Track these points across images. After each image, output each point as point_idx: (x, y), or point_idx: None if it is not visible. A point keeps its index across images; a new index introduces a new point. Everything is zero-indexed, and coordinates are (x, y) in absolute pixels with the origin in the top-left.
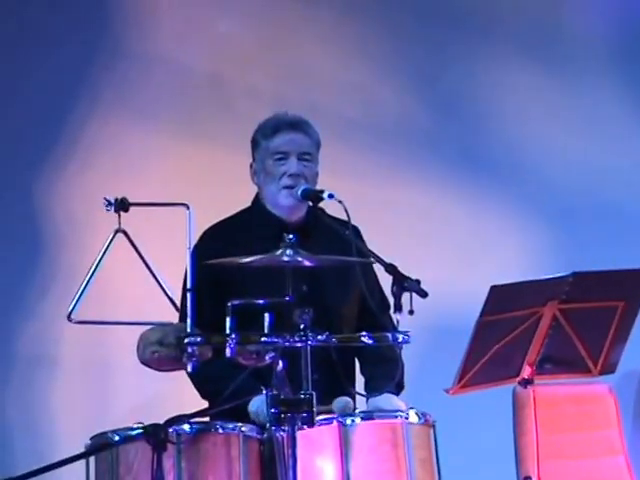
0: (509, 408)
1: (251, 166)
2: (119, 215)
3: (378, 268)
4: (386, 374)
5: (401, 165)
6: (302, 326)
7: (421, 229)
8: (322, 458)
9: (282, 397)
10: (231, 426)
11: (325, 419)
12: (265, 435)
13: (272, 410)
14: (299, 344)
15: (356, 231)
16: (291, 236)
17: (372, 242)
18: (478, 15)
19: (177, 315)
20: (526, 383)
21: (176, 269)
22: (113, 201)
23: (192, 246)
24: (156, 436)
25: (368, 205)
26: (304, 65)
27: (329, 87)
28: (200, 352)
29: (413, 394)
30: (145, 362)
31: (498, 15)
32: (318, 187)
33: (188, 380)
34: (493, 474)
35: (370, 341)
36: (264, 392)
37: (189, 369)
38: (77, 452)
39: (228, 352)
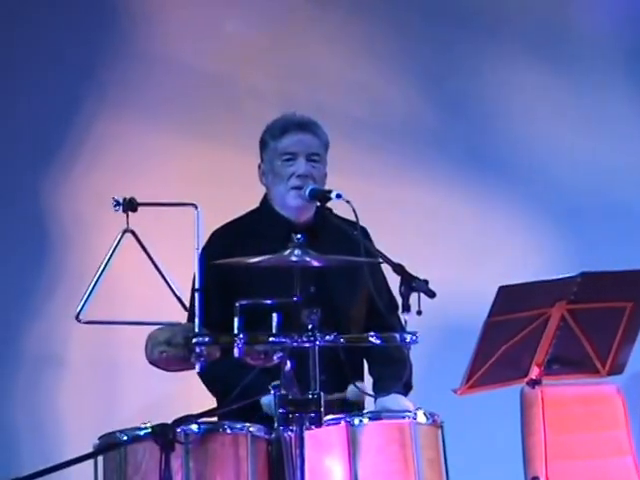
0: (517, 408)
1: (259, 167)
2: (127, 215)
3: (386, 268)
4: (394, 374)
5: (408, 165)
6: (310, 326)
7: (429, 229)
8: (330, 458)
9: (290, 397)
10: (239, 426)
11: (333, 419)
12: (273, 435)
13: (280, 410)
14: (307, 344)
15: (364, 231)
16: (299, 236)
17: (380, 242)
18: (485, 14)
19: (185, 315)
20: (534, 383)
21: (184, 269)
22: (122, 201)
23: (200, 247)
24: (164, 436)
25: (375, 205)
26: (310, 65)
27: (336, 87)
28: (208, 352)
29: (421, 394)
30: (153, 362)
31: (505, 14)
32: (327, 187)
33: (196, 380)
34: (501, 474)
35: (378, 341)
36: (272, 392)
37: (197, 369)
38: (85, 452)
39: (236, 352)
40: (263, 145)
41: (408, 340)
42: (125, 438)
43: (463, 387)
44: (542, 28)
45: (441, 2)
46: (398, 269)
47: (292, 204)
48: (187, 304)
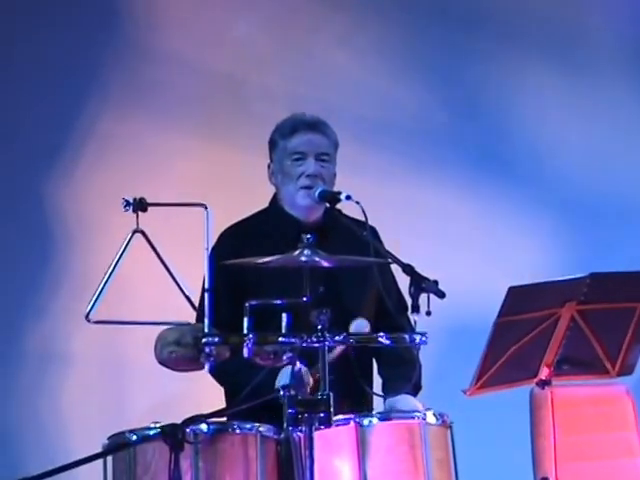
0: (526, 409)
1: (269, 167)
2: (137, 215)
3: (395, 268)
4: (403, 375)
5: (418, 166)
6: (319, 327)
7: (439, 229)
8: (339, 459)
9: (299, 397)
10: (248, 426)
11: (343, 419)
12: (282, 435)
13: (289, 410)
14: (316, 345)
15: (373, 232)
16: (309, 236)
17: (389, 243)
18: (497, 16)
19: (195, 315)
20: (544, 384)
21: (193, 269)
22: (132, 201)
23: (210, 247)
24: (174, 436)
25: (385, 205)
26: (320, 66)
27: (346, 88)
28: (217, 352)
29: (430, 395)
30: (162, 362)
31: (517, 17)
32: (335, 188)
33: (205, 380)
34: (510, 475)
35: (387, 342)
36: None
37: (206, 369)
38: (92, 452)
39: (246, 352)
40: (273, 145)
41: (417, 340)
42: (135, 438)
43: (472, 388)
44: (554, 30)
45: (451, 4)
46: (408, 269)
47: (301, 204)
48: (196, 304)
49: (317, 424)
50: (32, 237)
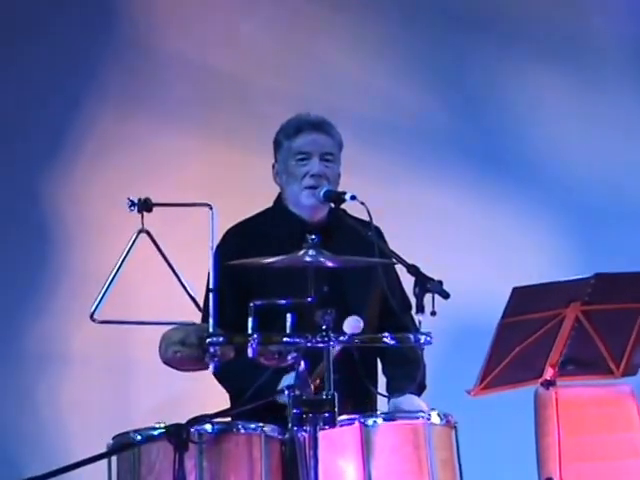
0: (531, 409)
1: (273, 166)
2: (142, 215)
3: (400, 269)
4: (408, 375)
5: (421, 166)
6: (324, 327)
7: (443, 230)
8: (343, 459)
9: (304, 397)
10: (253, 426)
11: (347, 419)
12: (287, 435)
13: (294, 410)
14: (321, 345)
15: (378, 232)
16: (313, 236)
17: (393, 243)
18: (499, 18)
19: (199, 315)
20: (548, 385)
21: (198, 269)
22: (137, 201)
23: (214, 246)
24: (178, 436)
25: (389, 206)
26: (324, 67)
27: (349, 89)
28: (222, 352)
29: (435, 395)
30: (167, 362)
31: (520, 19)
32: (340, 188)
33: (210, 380)
34: (514, 476)
35: (392, 342)
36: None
37: (211, 369)
38: (94, 452)
39: (250, 352)
40: (277, 145)
41: (422, 341)
42: (139, 438)
43: (477, 388)
44: (555, 31)
45: (454, 5)
46: (412, 270)
47: (306, 203)
48: (201, 304)
49: (321, 424)
50: (31, 237)
